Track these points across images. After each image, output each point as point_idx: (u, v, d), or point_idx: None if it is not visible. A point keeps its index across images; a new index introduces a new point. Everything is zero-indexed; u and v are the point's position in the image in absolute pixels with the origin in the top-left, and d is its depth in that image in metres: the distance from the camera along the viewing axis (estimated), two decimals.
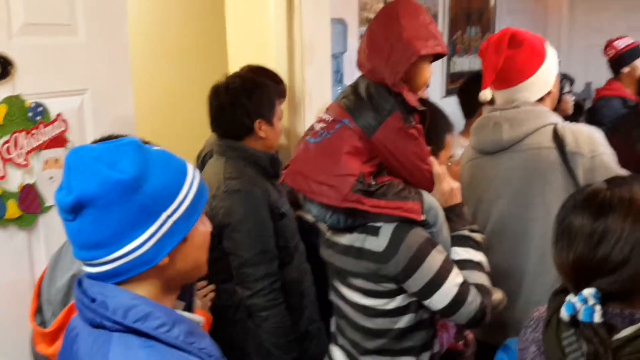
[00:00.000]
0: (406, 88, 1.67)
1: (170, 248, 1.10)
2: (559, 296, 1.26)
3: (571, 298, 1.18)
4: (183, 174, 1.13)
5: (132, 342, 1.05)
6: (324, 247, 1.87)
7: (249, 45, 3.18)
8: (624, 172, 1.94)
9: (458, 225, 1.77)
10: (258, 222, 2.20)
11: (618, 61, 4.10)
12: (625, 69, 4.06)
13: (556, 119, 2.10)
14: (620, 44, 4.11)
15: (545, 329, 1.25)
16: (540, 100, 2.12)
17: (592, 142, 1.99)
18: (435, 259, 1.64)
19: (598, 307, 1.15)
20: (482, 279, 1.71)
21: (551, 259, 2.02)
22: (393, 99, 1.67)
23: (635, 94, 3.95)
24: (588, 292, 1.16)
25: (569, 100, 3.78)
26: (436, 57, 1.79)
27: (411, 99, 1.68)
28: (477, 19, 5.64)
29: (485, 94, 2.03)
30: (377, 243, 1.67)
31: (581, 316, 1.16)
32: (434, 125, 1.79)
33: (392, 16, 1.69)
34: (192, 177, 1.14)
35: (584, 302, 1.16)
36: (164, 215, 1.08)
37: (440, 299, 1.64)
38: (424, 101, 1.80)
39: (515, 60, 2.05)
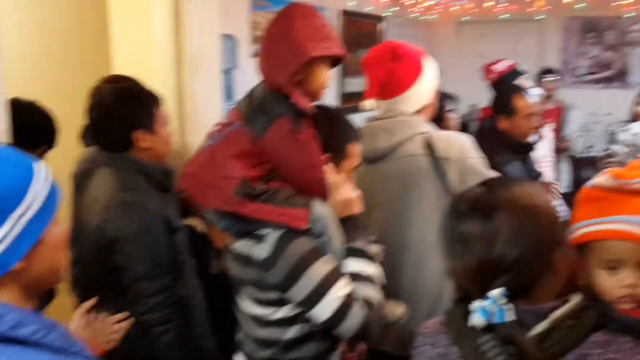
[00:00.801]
0: (299, 91, 1.65)
1: (24, 251, 1.04)
2: (459, 306, 1.26)
3: (481, 303, 1.18)
4: (29, 172, 1.07)
5: (9, 352, 0.98)
6: (226, 255, 1.83)
7: (134, 59, 3.07)
8: (494, 174, 2.02)
9: (352, 237, 1.72)
10: (153, 235, 2.12)
11: (500, 83, 4.28)
12: None
13: (429, 128, 2.15)
14: (500, 67, 4.31)
15: (458, 341, 1.24)
16: (419, 111, 2.17)
17: (461, 148, 2.06)
18: (318, 269, 1.60)
19: (509, 306, 1.16)
20: (371, 292, 1.66)
21: (429, 264, 2.05)
22: (285, 103, 1.64)
23: None
24: (497, 292, 1.16)
25: (453, 118, 3.92)
26: (335, 62, 1.78)
27: (301, 101, 1.64)
28: (367, 42, 5.78)
29: (366, 104, 2.06)
30: (261, 250, 1.64)
31: (495, 318, 1.16)
32: (335, 133, 1.76)
33: (286, 19, 1.68)
34: (42, 177, 1.09)
35: (494, 304, 1.16)
36: (13, 217, 1.01)
37: (322, 311, 1.60)
38: (322, 107, 1.78)
39: (395, 72, 2.11)
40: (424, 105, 2.19)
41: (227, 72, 3.34)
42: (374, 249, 1.75)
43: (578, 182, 5.55)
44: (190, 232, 2.43)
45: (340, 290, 1.60)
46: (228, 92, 3.36)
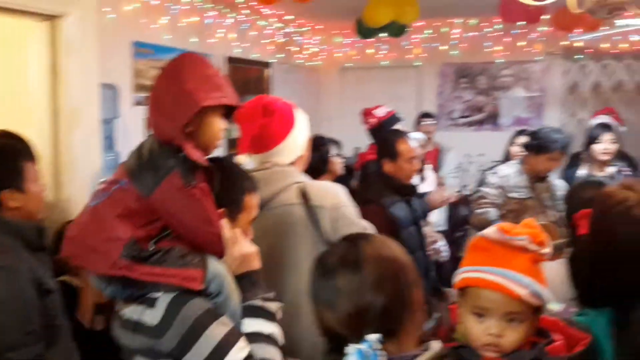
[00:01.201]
0: (191, 143, 1.58)
1: None
2: (332, 355, 1.32)
3: (357, 345, 1.24)
4: None
5: None
6: (114, 321, 1.70)
7: (9, 111, 2.98)
8: (365, 223, 2.12)
9: (250, 294, 1.63)
10: (23, 301, 1.98)
11: (380, 128, 4.46)
12: None
13: (303, 178, 2.23)
14: (380, 112, 4.50)
15: None
16: (293, 163, 2.24)
17: (334, 197, 2.14)
18: (215, 332, 1.51)
19: (383, 352, 1.23)
20: (271, 352, 1.59)
21: (305, 312, 2.09)
22: (176, 156, 1.57)
23: None
24: (374, 337, 1.23)
25: (337, 162, 4.05)
26: (229, 112, 1.75)
27: (194, 154, 1.57)
28: (254, 87, 5.88)
29: (241, 158, 2.10)
30: (153, 315, 1.53)
31: None
32: (230, 185, 1.69)
33: (176, 69, 1.62)
34: None
35: (370, 348, 1.23)
36: None
37: None
38: (215, 159, 1.72)
39: (268, 127, 2.17)
40: (298, 157, 2.26)
41: (108, 122, 3.30)
42: (274, 306, 1.66)
43: (454, 220, 5.86)
44: (66, 290, 2.34)
45: (239, 352, 1.51)
46: (109, 142, 3.31)
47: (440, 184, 5.64)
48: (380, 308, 1.28)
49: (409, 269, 1.36)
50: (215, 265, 1.60)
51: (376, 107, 4.53)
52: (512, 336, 1.30)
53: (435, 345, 1.30)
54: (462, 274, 1.37)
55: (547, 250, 1.34)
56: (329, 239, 2.01)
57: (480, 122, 7.07)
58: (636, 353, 1.41)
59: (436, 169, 5.66)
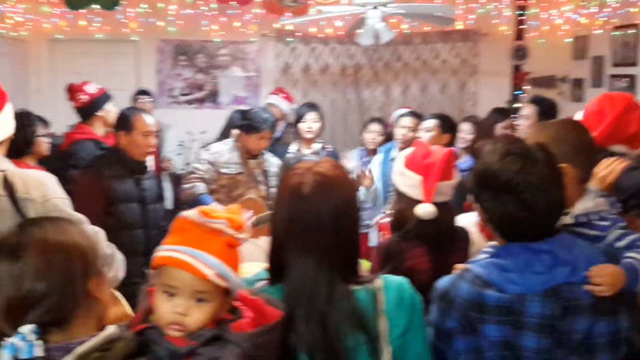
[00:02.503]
0: None
1: None
2: None
3: (11, 340, 1.19)
4: None
5: None
6: None
7: None
8: (78, 215, 2.01)
9: None
10: None
11: (91, 106, 4.25)
12: (100, 113, 4.24)
13: (7, 165, 2.05)
14: (91, 89, 4.28)
15: None
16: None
17: (42, 187, 2.00)
18: None
19: (38, 342, 1.20)
20: None
21: None
22: None
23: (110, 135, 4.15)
24: (27, 328, 1.20)
25: (43, 142, 3.78)
26: None
27: None
28: None
29: None
30: None
31: (23, 354, 1.19)
32: None
33: None
34: None
35: (23, 340, 1.19)
36: None
37: None
38: None
39: None
40: (5, 138, 2.06)
41: None
42: None
43: (179, 199, 5.88)
44: None
45: None
46: None
47: (164, 163, 5.62)
48: (40, 297, 1.26)
49: (87, 257, 1.34)
50: None
51: (84, 84, 4.30)
52: (197, 315, 1.32)
53: (109, 329, 1.29)
54: (158, 253, 1.37)
55: (244, 235, 1.39)
56: None
57: (201, 100, 7.14)
58: None
59: (157, 148, 5.60)
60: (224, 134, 4.89)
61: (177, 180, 6.20)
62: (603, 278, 1.53)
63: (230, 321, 1.35)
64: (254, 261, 1.92)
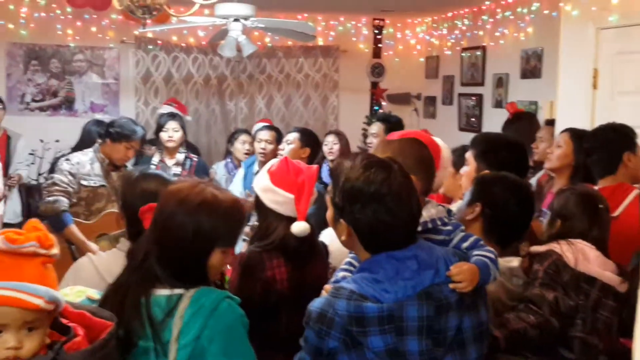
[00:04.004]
0: None
1: None
2: None
3: None
4: None
5: None
6: None
7: None
8: None
9: None
10: None
11: None
12: None
13: None
14: None
15: None
16: None
17: None
18: None
19: None
20: None
21: None
22: None
23: None
24: None
25: None
26: None
27: None
28: None
29: None
30: None
31: None
32: None
33: None
34: None
35: None
36: None
37: None
38: None
39: None
40: None
41: None
42: None
43: (29, 210, 5.54)
44: None
45: None
46: None
47: (11, 181, 5.27)
48: None
49: None
50: None
51: None
52: (30, 344, 1.30)
53: None
54: None
55: (55, 251, 1.35)
56: None
57: (55, 107, 6.78)
58: None
59: (5, 158, 5.25)
60: (81, 144, 4.68)
61: (29, 191, 5.86)
62: (462, 275, 1.65)
63: (65, 342, 1.32)
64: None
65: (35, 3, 6.12)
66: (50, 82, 6.73)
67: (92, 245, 3.62)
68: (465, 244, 1.86)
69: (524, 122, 4.56)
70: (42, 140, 6.30)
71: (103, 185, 3.91)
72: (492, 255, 1.79)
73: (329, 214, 1.74)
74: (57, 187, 3.79)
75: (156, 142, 4.71)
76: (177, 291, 1.65)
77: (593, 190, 2.54)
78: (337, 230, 1.71)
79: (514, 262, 2.25)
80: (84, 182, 3.87)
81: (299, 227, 2.28)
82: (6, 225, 4.81)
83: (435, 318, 1.60)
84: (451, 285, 1.64)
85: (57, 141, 6.16)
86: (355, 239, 1.67)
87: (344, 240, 1.70)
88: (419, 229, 1.80)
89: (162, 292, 1.65)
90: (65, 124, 6.30)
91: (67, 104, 6.81)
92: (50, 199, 3.74)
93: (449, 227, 1.89)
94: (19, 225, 4.57)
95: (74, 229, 3.67)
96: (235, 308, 1.68)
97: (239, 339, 1.66)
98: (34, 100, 6.71)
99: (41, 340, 1.31)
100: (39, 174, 6.15)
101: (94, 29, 6.46)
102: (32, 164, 6.15)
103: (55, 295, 1.31)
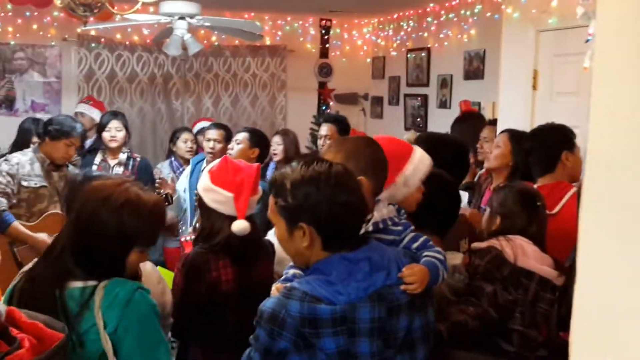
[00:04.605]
0: None
1: None
2: None
3: None
4: None
5: None
6: None
7: None
8: None
9: None
10: None
11: None
12: None
13: None
14: None
15: None
16: None
17: None
18: None
19: None
20: None
21: None
22: None
23: None
24: None
25: None
26: None
27: None
28: None
29: None
30: None
31: None
32: None
33: None
34: None
35: None
36: None
37: None
38: None
39: None
40: None
41: None
42: None
43: None
44: None
45: None
46: None
47: None
48: None
49: None
50: None
51: None
52: None
53: None
54: None
55: None
56: None
57: None
58: None
59: None
60: (18, 144, 4.55)
61: None
62: (413, 277, 1.67)
63: (7, 353, 1.28)
64: None
65: None
66: None
67: (40, 236, 3.56)
68: (415, 245, 1.88)
69: (473, 121, 4.64)
70: None
71: (44, 186, 3.81)
72: (441, 257, 1.83)
73: (280, 232, 1.70)
74: None
75: (99, 142, 4.62)
76: (91, 283, 1.69)
77: (530, 188, 2.61)
78: (295, 241, 1.67)
79: (457, 259, 2.31)
80: (24, 183, 3.76)
81: (239, 226, 2.27)
82: None
83: (386, 319, 1.63)
84: (402, 287, 1.66)
85: None
86: (315, 243, 1.65)
87: (306, 246, 1.65)
88: (370, 229, 1.82)
89: (76, 284, 1.70)
90: (5, 124, 6.10)
91: (7, 103, 6.61)
92: None
93: (399, 227, 1.92)
94: None
95: (17, 225, 3.58)
96: (148, 299, 1.73)
97: (153, 329, 1.72)
98: None
99: None
100: None
101: (35, 26, 6.29)
102: None
103: None
